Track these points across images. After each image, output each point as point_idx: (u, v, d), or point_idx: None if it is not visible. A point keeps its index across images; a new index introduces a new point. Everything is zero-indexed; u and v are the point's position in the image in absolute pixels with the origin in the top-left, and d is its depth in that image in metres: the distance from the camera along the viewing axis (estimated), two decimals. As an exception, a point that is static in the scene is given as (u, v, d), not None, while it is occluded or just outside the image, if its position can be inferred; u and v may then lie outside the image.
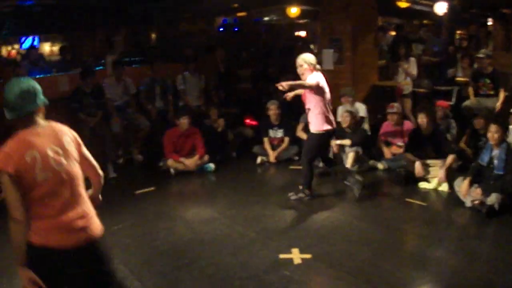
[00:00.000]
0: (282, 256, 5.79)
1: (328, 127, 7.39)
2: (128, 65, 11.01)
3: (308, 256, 5.75)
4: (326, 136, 7.57)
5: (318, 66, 7.52)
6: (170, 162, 9.24)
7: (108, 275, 3.70)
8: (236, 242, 6.26)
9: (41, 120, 3.58)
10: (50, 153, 3.46)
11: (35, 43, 15.56)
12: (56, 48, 16.17)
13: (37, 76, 10.40)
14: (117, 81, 10.17)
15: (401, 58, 10.84)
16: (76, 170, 3.64)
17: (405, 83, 10.73)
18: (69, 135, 3.68)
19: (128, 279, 5.49)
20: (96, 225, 3.69)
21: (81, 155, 3.76)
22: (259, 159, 9.93)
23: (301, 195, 7.68)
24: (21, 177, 3.31)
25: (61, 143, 3.57)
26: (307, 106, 7.53)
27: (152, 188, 8.51)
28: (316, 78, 7.29)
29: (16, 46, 15.47)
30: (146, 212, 7.56)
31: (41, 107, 3.59)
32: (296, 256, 5.76)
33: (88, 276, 3.56)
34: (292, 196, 7.70)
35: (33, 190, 3.37)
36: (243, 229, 6.68)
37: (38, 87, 3.63)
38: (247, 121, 11.45)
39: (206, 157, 9.40)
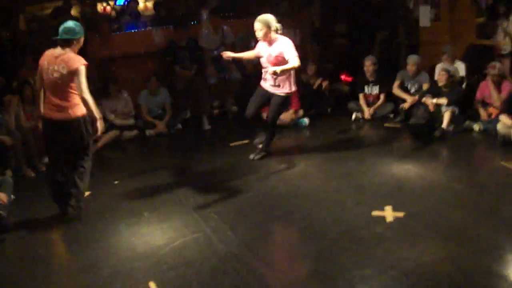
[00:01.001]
0: (375, 213, 5.83)
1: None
2: (224, 19, 11.08)
3: (400, 214, 5.76)
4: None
5: (279, 28, 7.31)
6: (263, 114, 9.34)
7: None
8: (330, 197, 6.33)
9: (61, 48, 5.80)
10: (50, 66, 5.79)
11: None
12: (150, 4, 16.36)
13: (134, 30, 10.67)
14: (215, 30, 10.28)
15: (501, 16, 10.50)
16: (58, 82, 5.77)
17: (504, 42, 10.41)
18: (65, 66, 5.70)
19: (221, 229, 5.69)
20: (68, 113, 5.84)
21: (70, 79, 5.76)
22: (354, 115, 9.93)
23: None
24: (40, 72, 5.91)
25: (58, 65, 5.72)
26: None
27: (246, 141, 8.65)
28: (293, 49, 7.15)
29: (111, 2, 15.73)
30: (240, 164, 7.73)
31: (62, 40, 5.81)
32: (389, 214, 5.78)
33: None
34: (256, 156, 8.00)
35: (43, 81, 5.91)
36: (337, 184, 6.75)
37: (73, 30, 5.81)
38: (343, 76, 11.41)
39: (300, 112, 9.48)
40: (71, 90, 5.80)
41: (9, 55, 9.80)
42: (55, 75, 5.73)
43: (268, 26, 7.13)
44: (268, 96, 7.60)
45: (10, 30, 10.34)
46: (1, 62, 9.46)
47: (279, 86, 7.46)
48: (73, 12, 11.78)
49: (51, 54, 5.84)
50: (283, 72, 6.98)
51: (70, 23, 5.83)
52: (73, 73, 5.68)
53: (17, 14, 10.99)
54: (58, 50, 5.80)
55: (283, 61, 7.07)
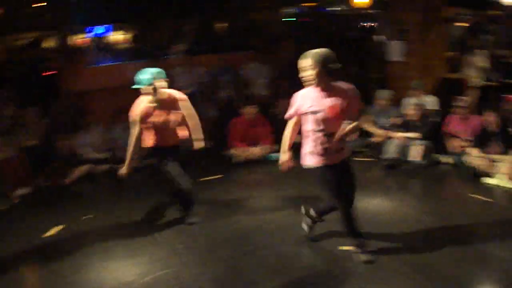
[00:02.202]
0: (344, 248, 5.83)
1: None
2: (198, 54, 11.17)
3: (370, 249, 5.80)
4: None
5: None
6: (236, 150, 9.40)
7: None
8: (299, 232, 6.34)
9: None
10: None
11: (104, 31, 15.88)
12: (125, 37, 16.49)
13: (106, 64, 10.70)
14: (187, 69, 10.36)
15: (470, 50, 10.71)
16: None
17: (473, 76, 10.60)
18: None
19: (192, 264, 5.68)
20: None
21: None
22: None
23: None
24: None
25: None
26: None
27: (217, 176, 8.67)
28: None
29: (88, 35, 15.83)
30: (210, 199, 7.73)
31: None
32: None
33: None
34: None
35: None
36: (307, 219, 6.75)
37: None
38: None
39: (272, 146, 9.53)
40: None
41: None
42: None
43: (322, 64, 5.05)
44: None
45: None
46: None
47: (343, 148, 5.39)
48: (48, 44, 11.81)
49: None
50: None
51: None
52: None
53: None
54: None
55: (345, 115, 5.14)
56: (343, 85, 5.18)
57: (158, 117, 6.42)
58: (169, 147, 6.62)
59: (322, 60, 5.01)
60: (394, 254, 5.69)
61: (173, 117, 6.50)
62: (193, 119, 6.74)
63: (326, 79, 5.07)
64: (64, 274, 5.68)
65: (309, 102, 5.18)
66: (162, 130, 6.50)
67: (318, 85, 5.11)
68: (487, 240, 6.00)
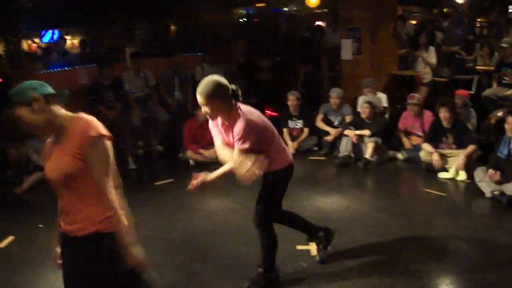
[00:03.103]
0: (299, 247, 5.79)
1: None
2: (148, 57, 11.04)
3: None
4: None
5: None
6: (189, 153, 9.29)
7: None
8: (255, 234, 6.26)
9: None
10: None
11: (55, 36, 15.70)
12: (76, 41, 16.30)
13: (58, 69, 10.50)
14: (136, 73, 10.22)
15: (421, 47, 10.81)
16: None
17: (424, 72, 10.70)
18: None
19: (147, 271, 5.55)
20: None
21: None
22: (279, 150, 9.90)
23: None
24: None
25: None
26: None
27: (171, 180, 8.55)
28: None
29: (37, 40, 15.61)
30: (165, 203, 7.60)
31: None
32: (313, 247, 5.73)
33: None
34: None
35: None
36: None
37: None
38: (267, 111, 11.47)
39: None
40: None
41: None
42: None
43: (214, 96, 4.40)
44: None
45: None
46: None
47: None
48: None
49: None
50: None
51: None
52: None
53: None
54: None
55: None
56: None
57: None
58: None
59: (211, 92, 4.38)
60: (350, 251, 5.66)
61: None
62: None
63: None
64: (20, 286, 5.50)
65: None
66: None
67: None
68: (444, 233, 6.05)
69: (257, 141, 4.54)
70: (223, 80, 4.50)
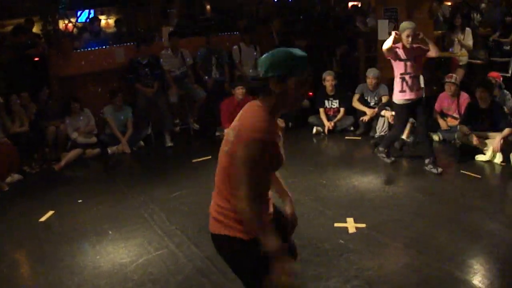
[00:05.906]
0: (337, 224, 5.89)
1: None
2: (184, 37, 11.11)
3: (362, 225, 5.85)
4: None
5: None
6: (226, 131, 9.38)
7: None
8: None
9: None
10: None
11: (91, 16, 15.82)
12: (111, 21, 16.42)
13: (95, 48, 10.63)
14: (174, 52, 10.32)
15: (457, 29, 10.74)
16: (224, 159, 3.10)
17: (461, 54, 10.64)
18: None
19: (185, 245, 5.69)
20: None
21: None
22: (314, 129, 10.05)
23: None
24: None
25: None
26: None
27: (208, 157, 8.64)
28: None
29: (73, 20, 15.74)
30: (202, 180, 7.68)
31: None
32: (351, 225, 5.85)
33: None
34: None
35: None
36: (300, 197, 6.70)
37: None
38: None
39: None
40: None
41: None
42: None
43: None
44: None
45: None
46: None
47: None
48: (35, 29, 11.73)
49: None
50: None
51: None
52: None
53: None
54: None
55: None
56: None
57: None
58: None
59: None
60: (386, 230, 5.75)
61: None
62: None
63: None
64: (59, 258, 5.67)
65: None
66: None
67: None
68: (478, 215, 6.06)
69: None
70: None
